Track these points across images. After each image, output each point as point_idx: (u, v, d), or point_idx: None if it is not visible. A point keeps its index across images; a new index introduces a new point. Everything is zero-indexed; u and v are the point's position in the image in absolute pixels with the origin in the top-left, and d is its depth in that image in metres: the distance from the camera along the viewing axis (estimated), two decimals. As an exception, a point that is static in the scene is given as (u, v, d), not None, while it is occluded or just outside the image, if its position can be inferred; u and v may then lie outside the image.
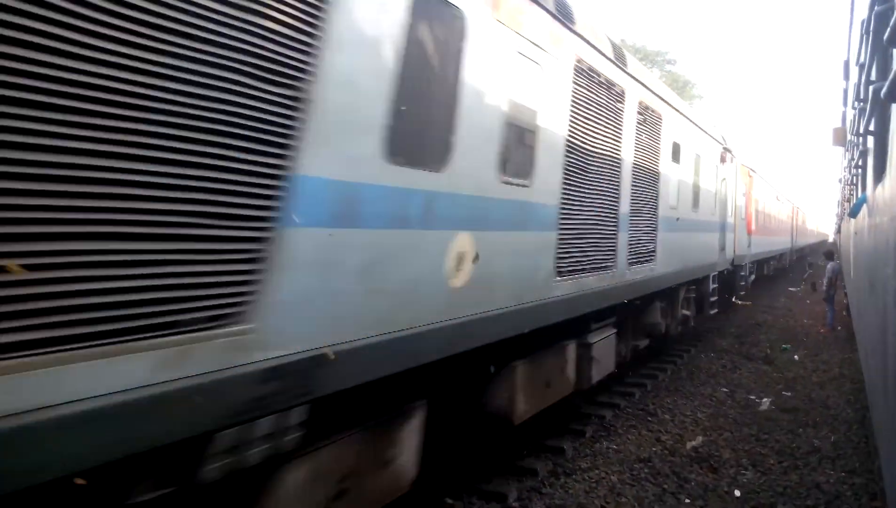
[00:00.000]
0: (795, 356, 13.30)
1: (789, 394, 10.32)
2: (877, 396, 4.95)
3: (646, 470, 6.79)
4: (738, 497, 6.28)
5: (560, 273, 5.98)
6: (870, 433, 7.54)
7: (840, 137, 12.23)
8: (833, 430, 8.43)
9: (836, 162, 22.27)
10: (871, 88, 4.85)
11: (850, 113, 9.82)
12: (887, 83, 2.81)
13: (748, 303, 21.72)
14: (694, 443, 7.64)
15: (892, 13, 2.82)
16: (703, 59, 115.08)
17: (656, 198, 9.09)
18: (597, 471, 6.70)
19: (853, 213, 6.58)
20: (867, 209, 5.80)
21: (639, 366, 11.14)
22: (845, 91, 11.36)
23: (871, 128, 5.18)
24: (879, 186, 4.56)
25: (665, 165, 9.47)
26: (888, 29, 2.86)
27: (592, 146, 6.72)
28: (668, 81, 40.54)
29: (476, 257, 4.57)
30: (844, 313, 17.79)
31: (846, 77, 11.05)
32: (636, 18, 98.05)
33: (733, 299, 18.23)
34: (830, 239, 69.74)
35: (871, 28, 4.97)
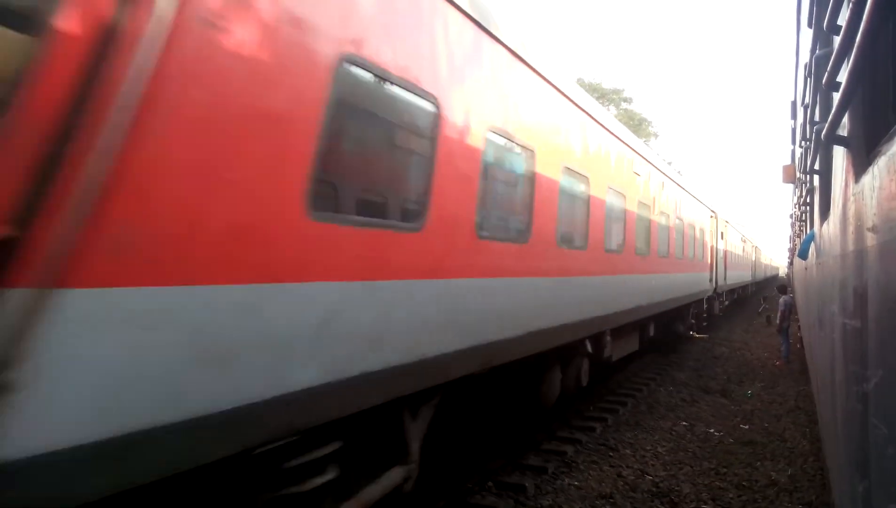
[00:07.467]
0: (749, 392, 13.51)
1: (747, 427, 10.43)
2: (827, 430, 5.01)
3: (607, 507, 6.74)
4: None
5: None
6: (825, 465, 7.63)
7: (790, 175, 12.64)
8: (790, 463, 8.52)
9: (788, 198, 22.97)
10: (814, 128, 5.00)
11: (798, 151, 10.15)
12: (826, 125, 2.90)
13: (704, 336, 22.07)
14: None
15: (829, 59, 2.92)
16: (660, 97, 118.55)
17: None
18: (557, 509, 6.62)
19: (802, 253, 6.73)
20: (814, 247, 5.95)
21: (598, 400, 11.16)
22: (793, 130, 11.76)
23: (817, 167, 5.33)
24: (825, 224, 4.68)
25: None
26: (826, 74, 2.96)
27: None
28: (624, 119, 41.48)
29: None
30: (798, 345, 18.17)
31: (794, 116, 11.44)
32: (594, 57, 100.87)
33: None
34: (782, 273, 71.73)
35: (814, 71, 5.16)
